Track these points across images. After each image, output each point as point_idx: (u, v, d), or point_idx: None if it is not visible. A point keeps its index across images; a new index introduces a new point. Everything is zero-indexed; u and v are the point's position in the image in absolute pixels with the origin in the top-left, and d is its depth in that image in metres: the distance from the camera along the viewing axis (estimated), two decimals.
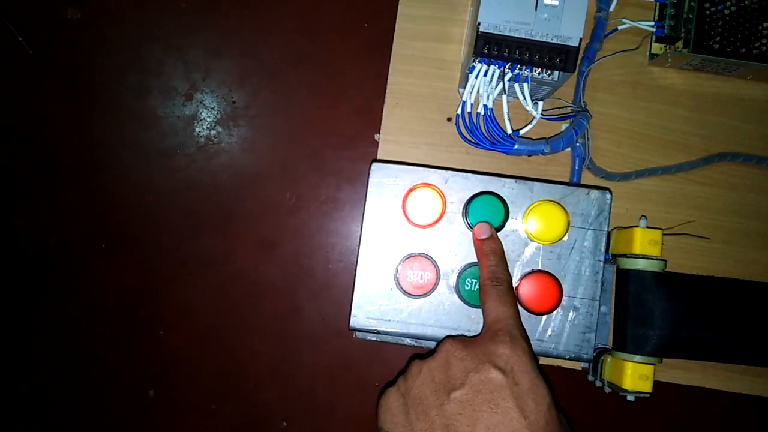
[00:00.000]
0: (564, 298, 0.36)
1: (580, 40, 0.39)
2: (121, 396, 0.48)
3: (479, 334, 0.32)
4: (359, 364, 0.48)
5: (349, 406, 0.48)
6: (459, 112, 0.42)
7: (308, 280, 0.48)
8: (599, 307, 0.36)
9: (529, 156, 0.46)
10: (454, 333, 0.37)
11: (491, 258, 0.35)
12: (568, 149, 0.45)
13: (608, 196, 0.36)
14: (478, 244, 0.36)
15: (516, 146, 0.42)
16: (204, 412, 0.48)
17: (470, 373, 0.29)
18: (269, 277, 0.48)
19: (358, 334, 0.43)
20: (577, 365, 0.45)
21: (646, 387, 0.38)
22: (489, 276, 0.34)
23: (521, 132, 0.42)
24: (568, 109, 0.45)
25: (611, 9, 0.46)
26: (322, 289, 0.48)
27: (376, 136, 0.47)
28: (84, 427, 0.48)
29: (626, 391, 0.38)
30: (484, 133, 0.42)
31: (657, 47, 0.46)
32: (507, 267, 0.35)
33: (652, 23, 0.46)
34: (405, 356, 0.48)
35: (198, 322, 0.48)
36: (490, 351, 0.30)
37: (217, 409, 0.48)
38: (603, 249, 0.36)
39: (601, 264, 0.36)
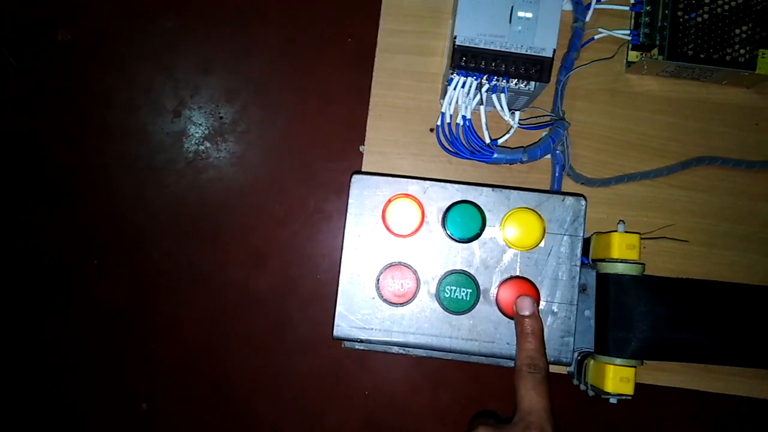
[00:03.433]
0: (542, 303, 0.37)
1: (554, 50, 0.40)
2: (114, 409, 0.48)
3: (511, 422, 0.33)
4: (349, 373, 0.48)
5: (340, 415, 0.48)
6: (439, 123, 0.43)
7: (298, 291, 0.49)
8: (577, 311, 0.37)
9: (511, 165, 0.46)
10: (435, 340, 0.37)
11: (530, 340, 0.35)
12: (548, 157, 0.46)
13: (582, 202, 0.37)
14: (520, 320, 0.36)
15: (495, 155, 0.43)
16: (197, 424, 0.49)
17: None
18: (259, 289, 0.49)
19: (347, 343, 0.43)
20: (563, 369, 0.45)
21: (628, 389, 0.38)
22: (528, 362, 0.34)
23: (499, 141, 0.43)
24: (547, 118, 0.46)
25: (587, 19, 0.47)
26: (311, 299, 0.49)
27: (361, 148, 0.48)
28: None
29: (608, 393, 0.39)
30: (464, 143, 0.43)
31: (633, 55, 0.47)
32: (545, 352, 0.35)
33: (628, 32, 0.47)
34: (394, 365, 0.48)
35: (189, 335, 0.48)
36: None
37: (210, 421, 0.49)
38: (579, 254, 0.37)
39: (578, 268, 0.37)
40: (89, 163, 0.49)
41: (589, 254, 0.42)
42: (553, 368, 0.45)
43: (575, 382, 0.44)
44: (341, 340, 0.38)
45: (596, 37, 0.47)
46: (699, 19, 0.45)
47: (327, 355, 0.48)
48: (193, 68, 0.49)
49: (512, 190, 0.37)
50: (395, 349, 0.42)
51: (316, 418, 0.48)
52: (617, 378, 0.38)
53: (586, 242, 0.43)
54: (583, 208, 0.37)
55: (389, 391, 0.48)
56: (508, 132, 0.43)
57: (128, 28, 0.50)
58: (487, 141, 0.43)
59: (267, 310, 0.49)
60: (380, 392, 0.48)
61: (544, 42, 0.40)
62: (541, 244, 0.37)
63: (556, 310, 0.37)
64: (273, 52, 0.49)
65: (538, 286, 0.37)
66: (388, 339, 0.37)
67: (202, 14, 0.49)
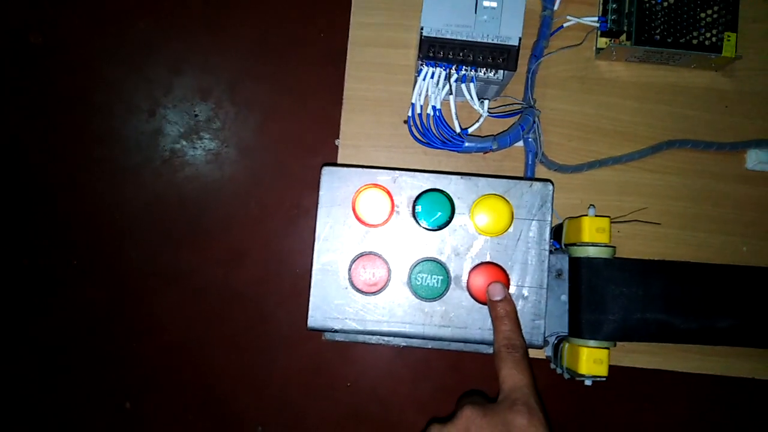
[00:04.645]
0: (513, 287, 0.37)
1: (520, 39, 0.41)
2: (98, 408, 0.49)
3: (497, 402, 0.33)
4: (330, 364, 0.49)
5: (323, 407, 0.49)
6: (410, 114, 0.44)
7: (277, 286, 0.49)
8: (547, 295, 0.37)
9: (484, 153, 0.47)
10: (409, 327, 0.38)
11: (506, 322, 0.36)
12: (520, 144, 0.46)
13: (550, 187, 0.38)
14: (493, 305, 0.37)
15: (465, 144, 0.43)
16: (181, 422, 0.49)
17: None
18: (239, 286, 0.49)
19: (327, 335, 0.44)
20: (541, 354, 0.46)
21: (601, 371, 0.39)
22: (505, 343, 0.35)
23: (470, 130, 0.44)
24: (517, 106, 0.46)
25: (556, 7, 0.47)
26: (291, 294, 0.49)
27: (336, 142, 0.49)
28: None
29: (583, 375, 0.39)
30: (435, 133, 0.43)
31: (602, 41, 0.47)
32: (521, 331, 0.36)
33: (596, 18, 0.47)
34: (375, 356, 0.49)
35: (170, 333, 0.49)
36: (508, 421, 0.31)
37: (194, 419, 0.49)
38: (547, 238, 0.38)
39: (547, 252, 0.38)
40: (65, 164, 0.49)
41: (561, 239, 0.43)
42: (531, 353, 0.46)
43: (552, 365, 0.44)
44: (316, 330, 0.38)
45: (565, 24, 0.48)
46: (665, 4, 0.45)
47: (308, 349, 0.49)
48: (165, 68, 0.50)
49: (480, 178, 0.38)
50: (374, 339, 0.42)
51: (300, 411, 0.49)
52: (591, 360, 0.39)
53: (560, 227, 0.44)
54: (550, 193, 0.37)
55: (371, 382, 0.48)
56: (477, 121, 0.43)
57: (100, 30, 0.50)
58: (458, 130, 0.43)
59: (247, 306, 0.49)
60: (362, 384, 0.48)
61: (510, 31, 0.41)
62: (510, 230, 0.37)
63: (526, 294, 0.37)
64: (245, 50, 0.49)
65: (508, 271, 0.37)
66: (362, 328, 0.37)
67: (172, 14, 0.50)
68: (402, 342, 0.42)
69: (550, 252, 0.43)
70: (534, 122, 0.44)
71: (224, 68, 0.50)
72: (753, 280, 0.41)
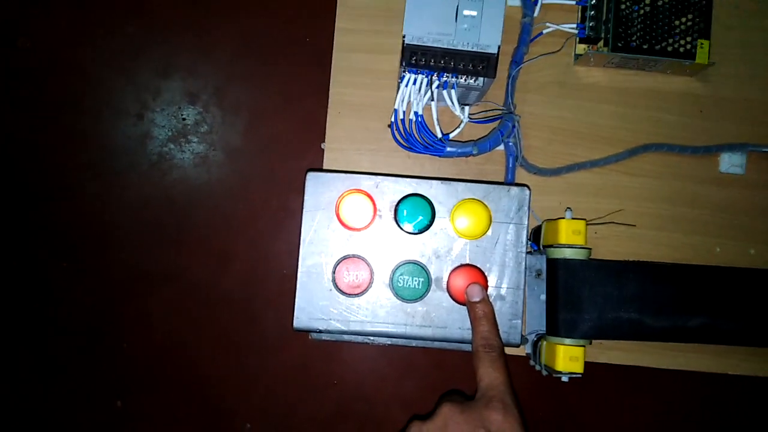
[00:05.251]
0: (491, 288, 0.39)
1: (499, 47, 0.42)
2: (90, 408, 0.50)
3: (474, 399, 0.35)
4: (317, 363, 0.50)
5: (310, 405, 0.50)
6: (393, 119, 0.45)
7: (265, 287, 0.50)
8: (524, 295, 0.39)
9: (466, 157, 0.48)
10: (391, 327, 0.39)
11: (483, 323, 0.37)
12: (501, 148, 0.48)
13: (526, 191, 0.39)
14: (471, 306, 0.38)
15: (447, 149, 0.44)
16: (171, 420, 0.50)
17: None
18: (227, 287, 0.50)
19: (314, 335, 0.45)
20: (522, 351, 0.47)
21: (577, 368, 0.40)
22: (482, 343, 0.36)
23: (451, 136, 0.45)
24: (497, 112, 0.47)
25: (536, 14, 0.48)
26: (279, 294, 0.50)
27: (322, 145, 0.50)
28: None
29: (560, 372, 0.41)
30: (417, 139, 0.44)
31: (581, 48, 0.49)
32: (498, 332, 0.38)
33: (575, 25, 0.49)
34: (361, 355, 0.50)
35: (160, 334, 0.50)
36: (484, 417, 0.32)
37: (184, 417, 0.50)
38: (524, 241, 0.39)
39: (524, 255, 0.39)
40: (55, 168, 0.50)
41: (540, 241, 0.44)
42: (511, 351, 0.47)
43: (531, 362, 0.46)
44: (301, 331, 0.39)
45: (545, 31, 0.49)
46: (642, 12, 0.47)
47: (296, 348, 0.50)
48: (153, 72, 0.50)
49: (460, 183, 0.39)
50: (359, 339, 0.43)
51: (289, 409, 0.50)
52: (567, 357, 0.40)
53: (539, 229, 0.45)
54: (527, 197, 0.39)
55: (357, 380, 0.50)
56: (458, 126, 0.44)
57: (88, 34, 0.50)
58: (439, 135, 0.45)
59: (236, 307, 0.50)
60: (348, 382, 0.50)
61: (489, 39, 0.42)
62: (489, 233, 0.39)
63: (504, 294, 0.38)
64: (231, 54, 0.50)
65: (486, 273, 0.38)
66: (345, 328, 0.39)
67: (160, 18, 0.50)
68: (386, 341, 0.43)
69: (530, 253, 0.45)
70: (514, 127, 0.46)
71: (211, 72, 0.50)
72: (723, 280, 0.43)
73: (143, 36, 0.50)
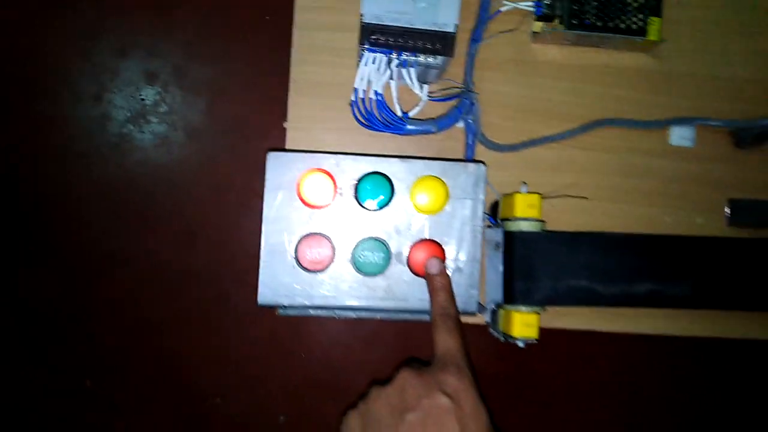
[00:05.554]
0: (450, 261, 0.40)
1: (456, 26, 0.42)
2: (60, 388, 0.50)
3: (431, 364, 0.36)
4: (285, 338, 0.51)
5: (279, 377, 0.51)
6: (353, 98, 0.45)
7: (232, 265, 0.51)
8: (480, 267, 0.40)
9: (430, 135, 0.49)
10: (355, 302, 0.40)
11: (441, 294, 0.39)
12: (461, 125, 0.49)
13: (482, 168, 0.40)
14: (430, 278, 0.40)
15: (407, 127, 0.45)
16: (142, 397, 0.51)
17: (422, 398, 0.33)
18: (194, 266, 0.51)
19: (281, 311, 0.46)
20: (482, 320, 0.49)
21: (532, 333, 0.43)
22: (440, 312, 0.38)
23: (411, 114, 0.46)
24: (457, 90, 0.48)
25: None
26: (246, 273, 0.51)
27: (285, 124, 0.50)
28: (30, 418, 0.51)
29: (516, 338, 0.43)
30: (378, 117, 0.45)
31: (537, 26, 0.50)
32: (455, 302, 0.40)
33: (532, 3, 0.49)
34: (327, 328, 0.52)
35: (128, 313, 0.50)
36: (439, 380, 0.34)
37: (154, 394, 0.51)
38: (481, 215, 0.40)
39: (480, 228, 0.40)
40: (12, 152, 0.49)
41: (497, 215, 0.46)
42: (473, 320, 0.49)
43: (491, 330, 0.48)
44: (266, 306, 0.40)
45: (502, 9, 0.50)
46: None
47: (264, 324, 0.51)
48: (110, 52, 0.50)
49: (418, 160, 0.40)
50: (325, 313, 0.45)
51: (257, 382, 0.51)
52: (522, 324, 0.42)
53: (497, 204, 0.47)
54: (483, 173, 0.40)
55: (324, 352, 0.51)
56: (418, 105, 0.45)
57: (43, 16, 0.49)
58: (399, 114, 0.45)
59: (204, 285, 0.51)
60: (316, 354, 0.51)
61: (447, 18, 0.42)
62: (447, 208, 0.40)
63: (462, 266, 0.40)
64: (190, 34, 0.50)
65: (445, 247, 0.40)
66: (309, 303, 0.40)
67: None
68: (351, 315, 0.45)
69: (489, 227, 0.46)
70: (472, 104, 0.47)
71: (169, 52, 0.50)
72: (669, 248, 0.45)
73: (100, 16, 0.50)
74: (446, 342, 0.36)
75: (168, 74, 0.50)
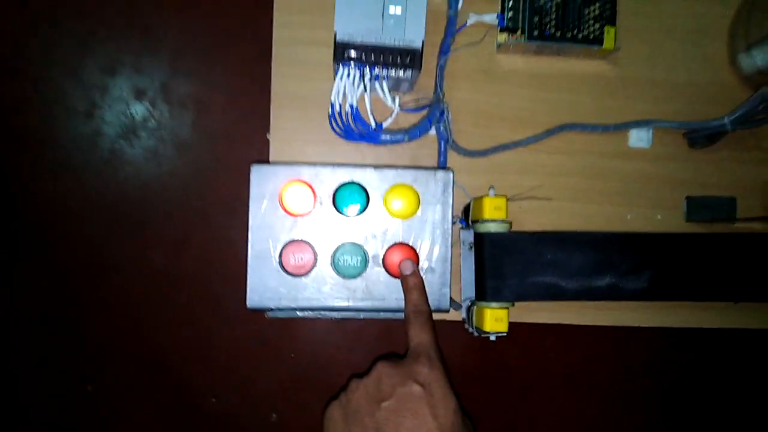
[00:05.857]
0: (422, 262, 0.43)
1: (423, 42, 0.46)
2: (60, 395, 0.53)
3: (405, 356, 0.40)
4: (274, 339, 0.54)
5: (270, 376, 0.54)
6: (330, 112, 0.48)
7: (221, 271, 0.53)
8: (451, 266, 0.44)
9: (405, 143, 0.52)
10: (338, 302, 0.43)
11: (414, 293, 0.43)
12: (434, 133, 0.52)
13: (450, 174, 0.44)
14: (404, 279, 0.43)
15: (381, 137, 0.48)
16: (139, 400, 0.53)
17: (397, 387, 0.37)
18: (185, 272, 0.53)
19: (270, 313, 0.49)
20: (458, 317, 0.53)
21: (502, 327, 0.46)
22: (413, 309, 0.42)
23: (384, 125, 0.49)
24: (427, 101, 0.51)
25: (459, 7, 0.52)
26: (234, 277, 0.53)
27: (268, 136, 0.53)
28: (23, 419, 0.53)
29: (487, 332, 0.46)
30: (354, 129, 0.48)
31: (501, 37, 0.53)
32: (427, 299, 0.43)
33: (495, 16, 0.53)
34: (314, 329, 0.54)
35: (122, 319, 0.53)
36: (412, 370, 0.38)
37: (150, 395, 0.54)
38: (450, 218, 0.44)
39: (450, 231, 0.44)
40: (4, 170, 0.52)
41: (468, 217, 0.49)
42: (448, 316, 0.52)
43: (466, 326, 0.51)
44: (255, 309, 0.43)
45: (468, 22, 0.53)
46: (554, 3, 0.51)
47: (254, 326, 0.54)
48: (99, 70, 0.52)
49: (391, 169, 0.43)
50: (311, 314, 0.48)
51: (249, 381, 0.54)
52: (493, 319, 0.46)
53: (469, 206, 0.50)
54: (451, 179, 0.43)
55: (312, 352, 0.54)
56: (390, 116, 0.48)
57: (33, 34, 0.51)
58: (373, 125, 0.48)
59: (195, 290, 0.53)
60: (304, 354, 0.54)
61: (414, 35, 0.46)
62: (419, 213, 0.43)
63: (434, 267, 0.43)
64: (175, 50, 0.52)
65: (417, 249, 0.43)
66: (295, 305, 0.43)
67: (104, 17, 0.52)
68: (335, 315, 0.48)
69: (463, 228, 0.50)
70: (442, 114, 0.50)
71: (156, 68, 0.52)
72: (627, 244, 0.49)
73: (88, 34, 0.52)
74: (419, 336, 0.39)
75: (155, 90, 0.52)
